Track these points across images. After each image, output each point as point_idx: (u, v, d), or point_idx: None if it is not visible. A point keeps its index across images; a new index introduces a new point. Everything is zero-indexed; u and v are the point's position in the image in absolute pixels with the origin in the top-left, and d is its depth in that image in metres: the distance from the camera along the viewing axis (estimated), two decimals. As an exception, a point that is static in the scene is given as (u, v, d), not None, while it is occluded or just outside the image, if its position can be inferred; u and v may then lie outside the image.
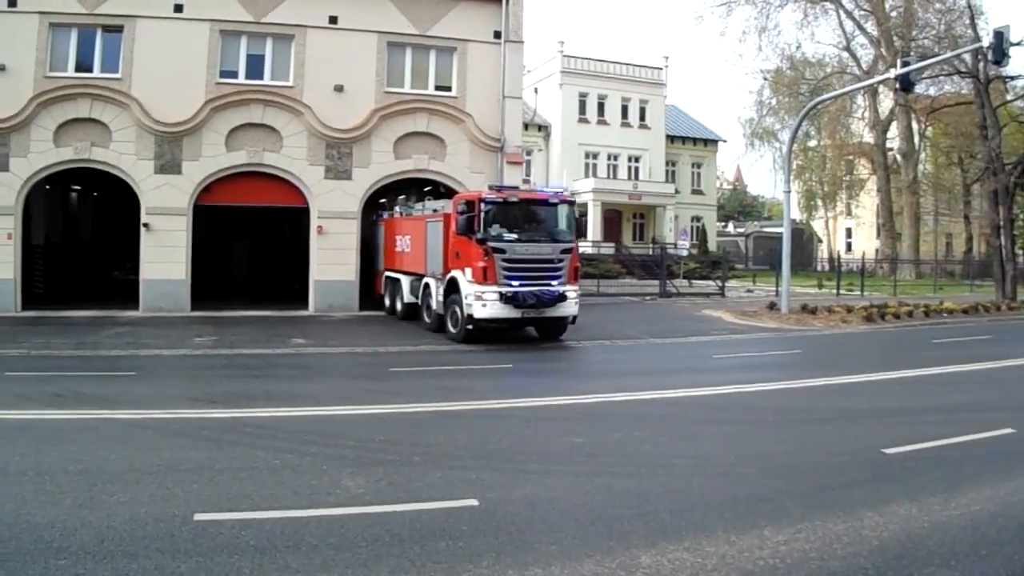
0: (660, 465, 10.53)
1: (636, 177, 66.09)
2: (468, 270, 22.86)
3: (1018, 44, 35.68)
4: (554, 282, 22.97)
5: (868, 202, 75.85)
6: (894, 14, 56.70)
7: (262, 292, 37.63)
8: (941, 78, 50.65)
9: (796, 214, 72.22)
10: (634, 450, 11.42)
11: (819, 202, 77.40)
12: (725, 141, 76.35)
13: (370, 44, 31.65)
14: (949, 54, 42.02)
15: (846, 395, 16.24)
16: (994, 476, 10.13)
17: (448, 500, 8.73)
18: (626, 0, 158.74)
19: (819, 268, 66.74)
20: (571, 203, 24.18)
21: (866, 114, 66.75)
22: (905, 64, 29.68)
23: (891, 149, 65.75)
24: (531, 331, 24.52)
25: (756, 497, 9.13)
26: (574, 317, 23.71)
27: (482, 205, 22.61)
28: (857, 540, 7.77)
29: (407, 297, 27.92)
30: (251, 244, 45.61)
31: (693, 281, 48.56)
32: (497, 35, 32.79)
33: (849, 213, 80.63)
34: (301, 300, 31.95)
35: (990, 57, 28.57)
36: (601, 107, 65.94)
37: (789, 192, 36.15)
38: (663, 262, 44.94)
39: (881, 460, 10.89)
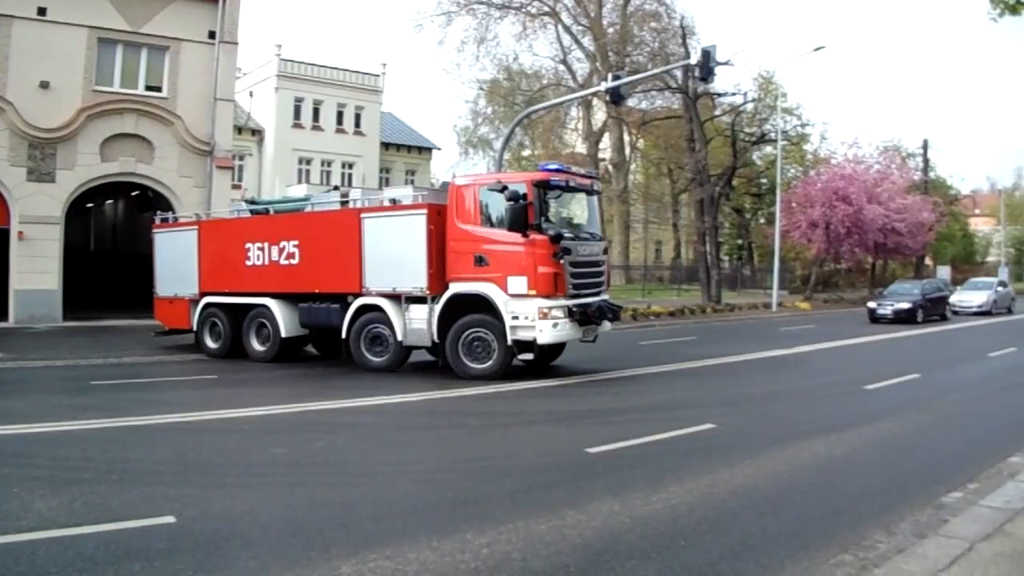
0: (364, 473, 10.50)
1: (350, 184, 65.79)
2: (519, 279, 17.88)
3: (725, 63, 37.97)
4: (601, 290, 19.78)
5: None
6: (611, 30, 59.14)
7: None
8: (653, 93, 53.33)
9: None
10: (338, 459, 11.37)
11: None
12: (440, 149, 77.41)
13: (80, 39, 30.02)
14: (660, 69, 44.29)
15: (552, 397, 16.76)
16: (694, 470, 10.66)
17: (145, 518, 8.26)
18: (346, 6, 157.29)
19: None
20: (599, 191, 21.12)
21: (579, 125, 69.29)
22: (617, 78, 30.94)
23: (603, 160, 68.51)
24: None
25: (459, 501, 9.19)
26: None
27: (544, 192, 18.30)
28: (560, 539, 7.92)
29: (287, 330, 21.44)
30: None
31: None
32: (212, 35, 32.01)
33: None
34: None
35: (698, 74, 30.23)
36: (316, 112, 65.29)
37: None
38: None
39: (585, 459, 11.25)
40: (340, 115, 66.17)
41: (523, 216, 17.64)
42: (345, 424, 13.92)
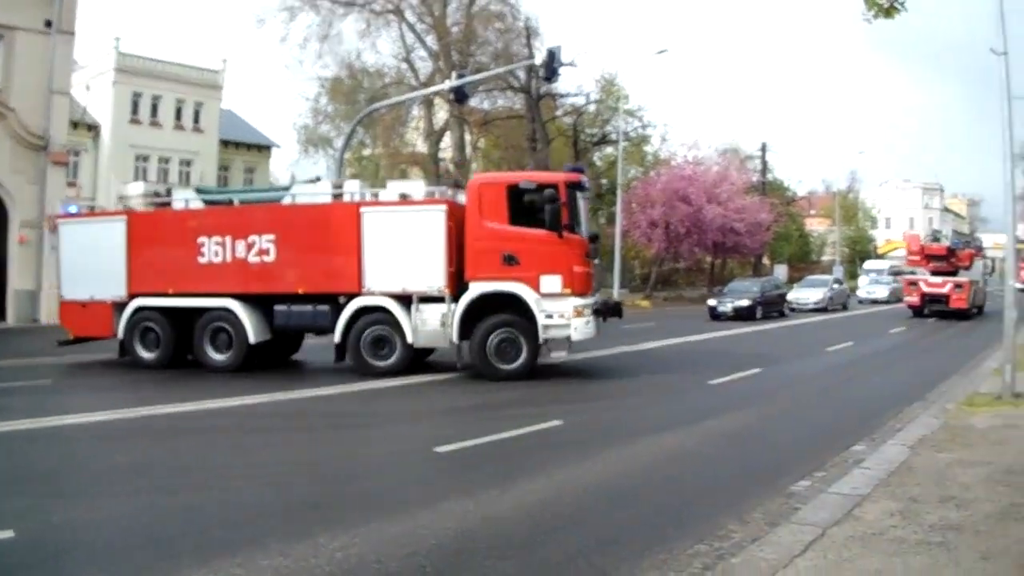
0: (211, 479, 10.12)
1: (187, 182, 64.12)
2: (552, 278, 17.93)
3: (569, 64, 38.38)
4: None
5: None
6: (455, 29, 59.02)
7: None
8: (496, 93, 53.55)
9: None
10: (184, 464, 10.94)
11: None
12: (279, 147, 75.78)
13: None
14: (504, 68, 44.49)
15: (399, 396, 16.62)
16: (546, 466, 10.66)
17: (-20, 535, 7.77)
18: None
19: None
20: None
21: (421, 124, 69.03)
22: (461, 77, 30.91)
23: (443, 159, 68.43)
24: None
25: (310, 505, 8.97)
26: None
27: (575, 192, 18.56)
28: (414, 540, 7.76)
29: (256, 335, 19.46)
30: None
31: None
32: (48, 24, 30.48)
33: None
34: None
35: (542, 74, 30.47)
36: (155, 108, 63.25)
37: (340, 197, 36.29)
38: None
39: (434, 459, 11.15)
40: (179, 111, 64.31)
41: (560, 216, 17.78)
42: (191, 428, 13.45)
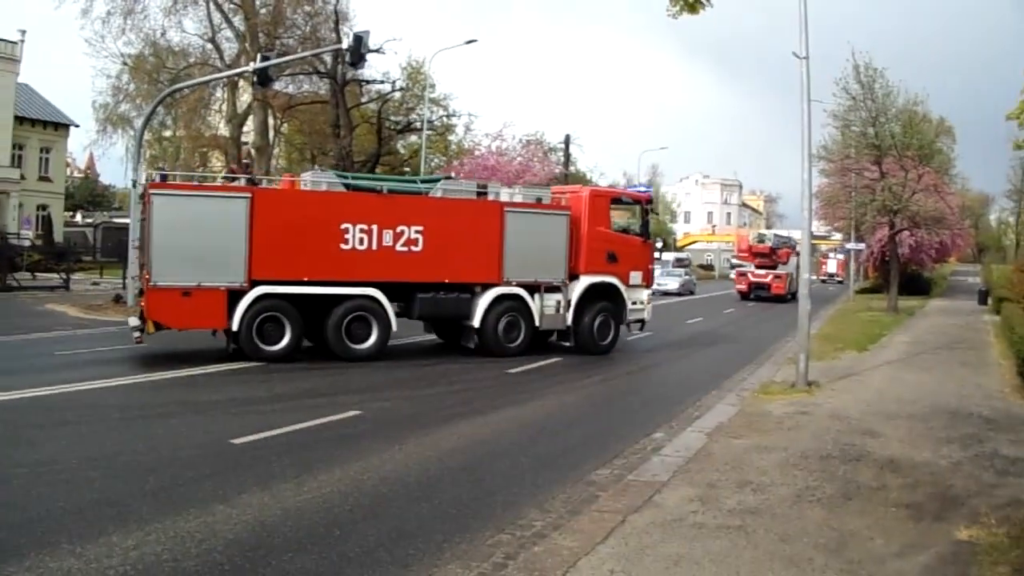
0: (-7, 477, 9.43)
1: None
2: (638, 273, 22.90)
3: (376, 50, 37.85)
4: None
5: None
6: (263, 11, 57.52)
7: None
8: (301, 77, 52.49)
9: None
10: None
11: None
12: (78, 126, 72.29)
13: None
14: (309, 52, 43.64)
15: (194, 386, 15.91)
16: (344, 458, 10.49)
17: None
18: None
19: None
20: None
21: (224, 107, 67.25)
22: (266, 59, 30.08)
23: (246, 143, 66.86)
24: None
25: (102, 502, 8.50)
26: None
27: (649, 207, 24.18)
28: (211, 535, 7.52)
29: (394, 324, 19.84)
30: None
31: (37, 274, 45.43)
32: None
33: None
34: None
35: (348, 59, 29.91)
36: (-55, 80, 59.38)
37: (136, 184, 35.03)
38: (4, 253, 41.47)
39: (231, 451, 10.79)
40: (-27, 85, 60.51)
41: (648, 225, 23.49)
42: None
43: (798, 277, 52.92)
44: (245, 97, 64.24)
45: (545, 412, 14.68)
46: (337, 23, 45.95)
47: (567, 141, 70.45)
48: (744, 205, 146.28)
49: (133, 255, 30.42)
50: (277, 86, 49.71)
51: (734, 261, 76.66)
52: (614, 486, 9.39)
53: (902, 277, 49.91)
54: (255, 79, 32.17)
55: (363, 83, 50.08)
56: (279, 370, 17.70)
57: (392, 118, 54.40)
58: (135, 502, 8.49)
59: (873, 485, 9.66)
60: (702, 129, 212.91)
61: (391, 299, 19.62)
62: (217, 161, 72.43)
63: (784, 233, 70.01)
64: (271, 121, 64.36)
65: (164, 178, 19.60)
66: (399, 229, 19.67)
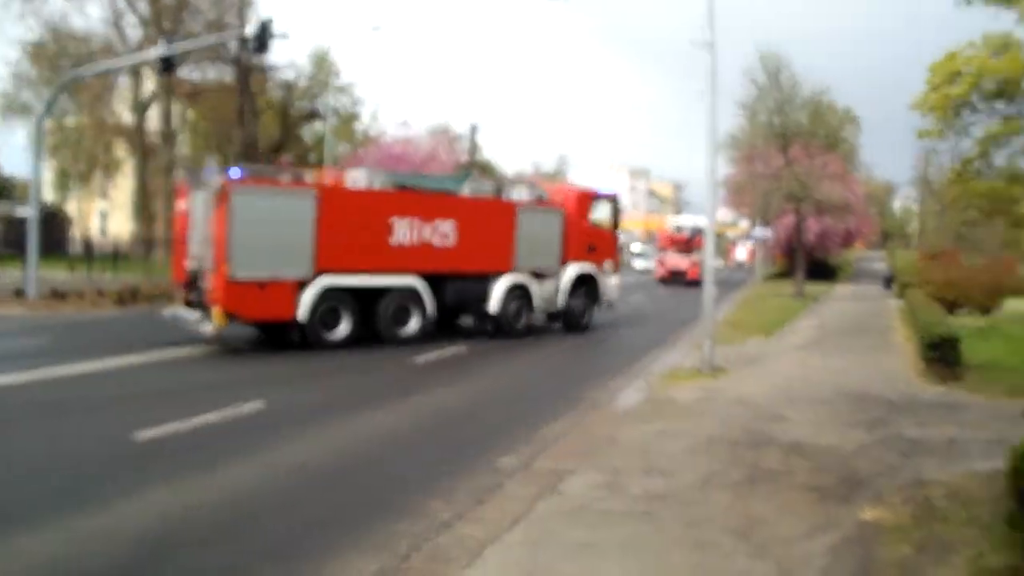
0: None
1: None
2: (608, 262, 26.29)
3: (281, 36, 37.43)
4: None
5: (125, 184, 75.09)
6: (168, -4, 56.63)
7: None
8: (206, 64, 51.66)
9: (50, 195, 68.94)
10: None
11: (75, 183, 74.76)
12: (-24, 115, 70.42)
13: None
14: (215, 38, 42.91)
15: (96, 382, 15.50)
16: (249, 450, 10.39)
17: None
18: None
19: (73, 252, 64.30)
20: None
21: (128, 94, 65.96)
22: (169, 45, 29.55)
23: (151, 131, 65.70)
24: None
25: (5, 502, 8.32)
26: None
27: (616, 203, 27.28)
28: (115, 534, 7.41)
29: (432, 311, 21.55)
30: None
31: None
32: None
33: (105, 195, 79.15)
34: None
35: (252, 46, 29.50)
36: None
37: (39, 171, 34.30)
38: None
39: (135, 446, 10.54)
40: None
41: (618, 219, 26.98)
42: None
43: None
44: (149, 84, 63.09)
45: (453, 401, 14.69)
46: (242, 8, 45.29)
47: (473, 130, 70.34)
48: (653, 192, 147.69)
49: (33, 248, 29.82)
50: (182, 73, 48.92)
51: (636, 249, 79.97)
52: (520, 473, 9.44)
53: (808, 263, 50.96)
54: (159, 65, 31.53)
55: (268, 70, 49.49)
56: (187, 362, 17.53)
57: (297, 105, 53.85)
58: (36, 502, 8.30)
59: (779, 469, 9.86)
60: (613, 117, 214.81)
61: (429, 288, 21.62)
62: (121, 150, 71.14)
63: (669, 213, 71.87)
64: (176, 109, 63.33)
65: (242, 173, 19.72)
66: (436, 224, 21.82)
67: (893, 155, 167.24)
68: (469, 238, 22.38)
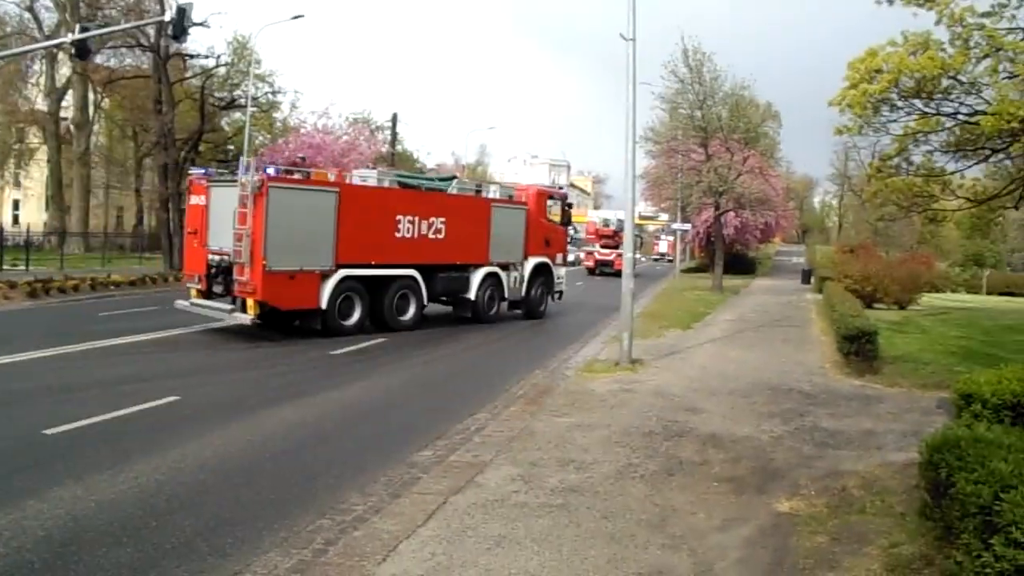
0: None
1: None
2: (559, 255, 29.39)
3: (201, 24, 36.83)
4: None
5: (38, 173, 73.55)
6: (85, -21, 55.43)
7: None
8: (124, 50, 50.67)
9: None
10: None
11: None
12: None
13: None
14: (130, 24, 42.13)
15: (5, 376, 15.17)
16: (162, 445, 10.24)
17: None
18: None
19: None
20: None
21: (42, 81, 64.53)
22: (85, 29, 28.94)
23: (65, 119, 64.36)
24: None
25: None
26: None
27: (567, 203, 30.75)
28: (21, 532, 7.26)
29: (421, 303, 23.70)
30: None
31: None
32: None
33: (18, 184, 77.44)
34: None
35: (171, 32, 29.02)
36: None
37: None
38: None
39: (43, 442, 10.35)
40: None
41: (569, 216, 30.38)
42: None
43: (636, 255, 60.54)
44: (65, 70, 61.82)
45: (369, 394, 14.67)
46: (162, -7, 44.39)
47: (394, 120, 69.97)
48: (572, 186, 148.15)
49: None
50: (98, 59, 48.15)
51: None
52: (436, 467, 9.45)
53: (727, 257, 51.74)
54: (74, 51, 30.85)
55: (187, 57, 48.74)
56: (96, 356, 17.18)
57: (216, 94, 53.03)
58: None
59: (695, 460, 9.99)
60: (532, 109, 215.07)
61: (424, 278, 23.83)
62: (35, 137, 69.59)
63: (590, 206, 73.34)
64: (91, 96, 62.12)
65: (277, 171, 21.36)
66: (431, 220, 24.00)
67: (813, 151, 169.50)
68: (455, 233, 24.65)
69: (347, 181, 23.92)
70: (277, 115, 62.76)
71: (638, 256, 59.63)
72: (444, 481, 8.83)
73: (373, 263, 22.35)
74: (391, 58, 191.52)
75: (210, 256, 21.34)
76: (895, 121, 19.18)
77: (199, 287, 21.80)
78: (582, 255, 68.12)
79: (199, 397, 13.45)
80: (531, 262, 27.64)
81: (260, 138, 61.58)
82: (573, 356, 19.13)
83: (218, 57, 49.31)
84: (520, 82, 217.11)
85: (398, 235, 23.03)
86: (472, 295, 25.53)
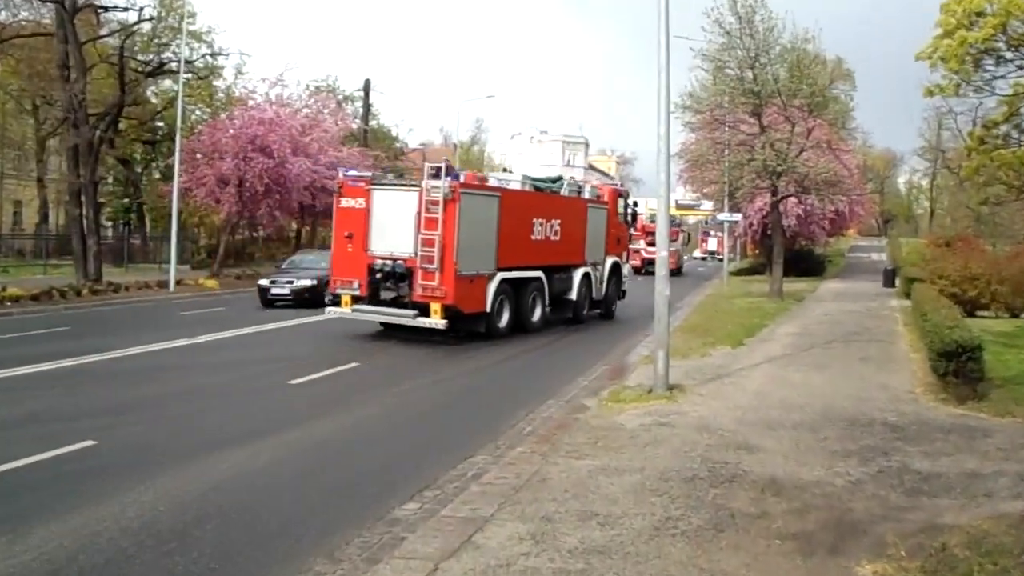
0: None
1: None
2: (625, 254, 36.27)
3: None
4: None
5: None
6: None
7: None
8: (18, 2, 50.66)
9: None
10: None
11: None
12: None
13: None
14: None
15: None
16: (74, 502, 10.22)
17: None
18: None
19: None
20: None
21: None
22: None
23: (-52, 86, 64.41)
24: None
25: None
26: None
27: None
28: None
29: (545, 304, 29.31)
30: None
31: None
32: None
33: None
34: None
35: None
36: None
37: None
38: None
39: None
40: None
41: (636, 216, 37.61)
42: None
43: (682, 252, 65.28)
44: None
45: (339, 432, 14.68)
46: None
47: (367, 88, 70.03)
48: (592, 167, 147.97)
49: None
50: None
51: None
52: (424, 525, 9.41)
53: (788, 254, 51.38)
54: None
55: (101, 10, 48.51)
56: (6, 388, 17.31)
57: (139, 57, 52.90)
58: None
59: (751, 512, 9.93)
60: (541, 75, 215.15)
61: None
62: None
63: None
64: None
65: (457, 177, 25.70)
66: (552, 222, 29.39)
67: (897, 119, 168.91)
68: (566, 234, 30.11)
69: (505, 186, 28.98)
70: (218, 83, 62.75)
71: (675, 247, 62.53)
72: (434, 542, 8.80)
73: (518, 266, 27.38)
74: (361, 10, 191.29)
75: (376, 261, 25.24)
76: (1003, 77, 18.86)
77: (356, 293, 25.56)
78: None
79: (119, 440, 13.41)
80: (609, 261, 33.54)
81: (197, 112, 61.58)
82: (594, 381, 19.09)
83: (140, 10, 49.08)
84: (525, 42, 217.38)
85: (533, 238, 28.37)
86: (574, 295, 31.00)
